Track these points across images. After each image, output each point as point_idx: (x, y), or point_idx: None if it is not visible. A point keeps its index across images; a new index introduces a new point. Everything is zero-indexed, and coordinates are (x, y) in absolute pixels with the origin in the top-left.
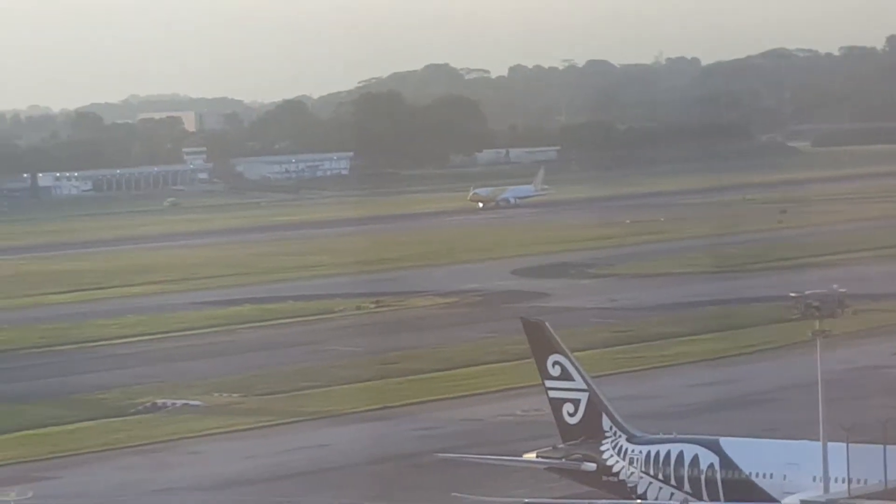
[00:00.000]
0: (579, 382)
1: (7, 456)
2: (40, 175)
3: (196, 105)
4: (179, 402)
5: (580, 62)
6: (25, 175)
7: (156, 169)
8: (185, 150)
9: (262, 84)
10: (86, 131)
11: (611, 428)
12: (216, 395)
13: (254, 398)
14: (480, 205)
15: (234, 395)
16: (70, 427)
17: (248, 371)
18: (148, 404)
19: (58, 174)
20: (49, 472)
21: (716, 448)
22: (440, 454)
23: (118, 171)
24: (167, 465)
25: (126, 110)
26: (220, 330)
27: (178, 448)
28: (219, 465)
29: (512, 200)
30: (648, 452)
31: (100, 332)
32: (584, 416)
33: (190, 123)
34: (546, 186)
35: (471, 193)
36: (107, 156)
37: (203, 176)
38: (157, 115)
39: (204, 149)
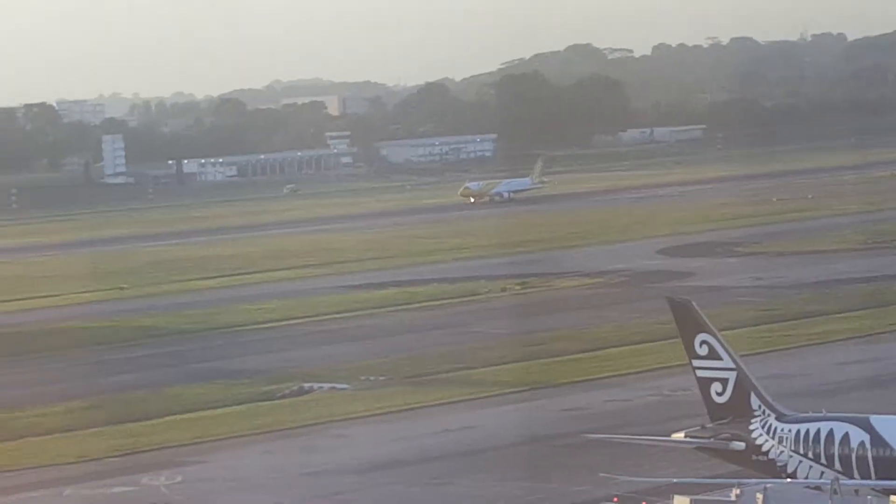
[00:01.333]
0: (727, 361)
1: (156, 440)
2: (185, 161)
3: (339, 89)
4: (326, 386)
5: (724, 39)
6: (171, 162)
7: (299, 154)
8: (328, 134)
9: (404, 67)
10: (229, 117)
11: (759, 407)
12: (363, 378)
13: (400, 381)
14: (472, 200)
15: (381, 378)
16: (218, 411)
17: (393, 354)
18: (295, 388)
19: (202, 160)
20: (197, 457)
21: (866, 426)
22: (588, 434)
23: (262, 157)
24: (314, 448)
25: (269, 96)
26: (365, 313)
27: (326, 431)
28: (366, 448)
29: (506, 195)
30: (798, 431)
31: (246, 317)
32: (732, 395)
33: (333, 108)
34: (545, 179)
35: (461, 188)
36: (250, 141)
37: (347, 160)
38: (300, 101)
39: (347, 133)
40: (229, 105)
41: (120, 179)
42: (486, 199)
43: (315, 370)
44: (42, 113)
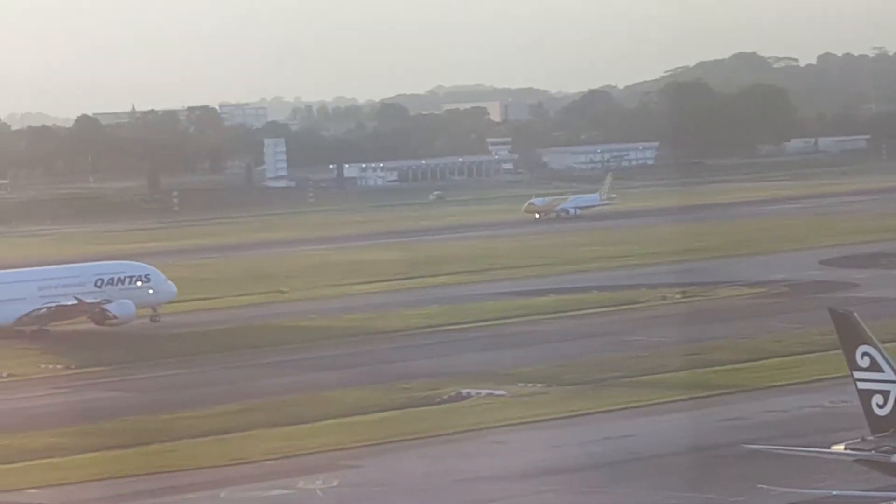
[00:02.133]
0: (889, 374)
1: (314, 444)
2: (346, 166)
3: (501, 95)
4: (484, 392)
5: (891, 49)
6: (332, 166)
7: (460, 159)
8: (490, 140)
9: (567, 74)
10: (391, 122)
11: None
12: (520, 385)
13: (558, 388)
14: (536, 216)
15: (538, 385)
16: (374, 416)
17: (552, 361)
18: (452, 394)
19: (364, 165)
20: (353, 461)
21: None
22: (747, 445)
23: (423, 162)
24: (471, 454)
25: (431, 101)
26: (523, 320)
27: (482, 438)
28: (523, 455)
29: (572, 211)
30: None
31: (404, 322)
32: (893, 407)
33: (495, 114)
34: (614, 195)
35: (526, 204)
36: (412, 147)
37: (508, 166)
38: (462, 106)
39: (509, 139)
40: (391, 110)
41: (281, 183)
42: (553, 215)
43: (473, 376)
44: (204, 116)
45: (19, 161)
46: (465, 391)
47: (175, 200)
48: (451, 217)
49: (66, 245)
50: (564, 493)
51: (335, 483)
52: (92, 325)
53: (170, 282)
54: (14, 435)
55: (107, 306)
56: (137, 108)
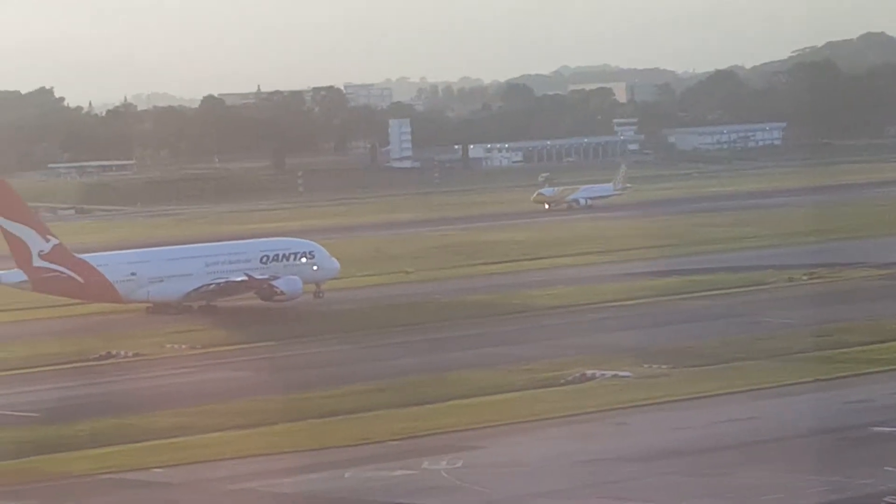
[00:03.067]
0: None
1: (437, 425)
2: (471, 146)
3: (626, 76)
4: (609, 374)
5: None
6: (457, 146)
7: (586, 140)
8: (615, 121)
9: (693, 54)
10: (516, 102)
11: None
12: (645, 366)
13: (683, 369)
14: (546, 206)
15: (663, 366)
16: (498, 397)
17: (677, 342)
18: (577, 375)
19: (488, 145)
20: (476, 442)
21: None
22: (875, 427)
23: (548, 143)
24: (593, 436)
25: (557, 82)
26: (648, 301)
27: (606, 419)
28: (646, 437)
29: (583, 202)
30: None
31: (529, 302)
32: None
33: (621, 94)
34: (629, 185)
35: (534, 194)
36: (537, 127)
37: (634, 147)
38: (587, 87)
39: (635, 120)
40: (516, 90)
41: (406, 163)
42: (564, 205)
43: (597, 357)
44: (330, 96)
45: (145, 142)
46: (589, 372)
47: (300, 181)
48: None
49: (192, 226)
50: (688, 475)
51: (459, 464)
52: (259, 302)
53: (333, 258)
54: (144, 414)
55: (275, 282)
56: (263, 89)
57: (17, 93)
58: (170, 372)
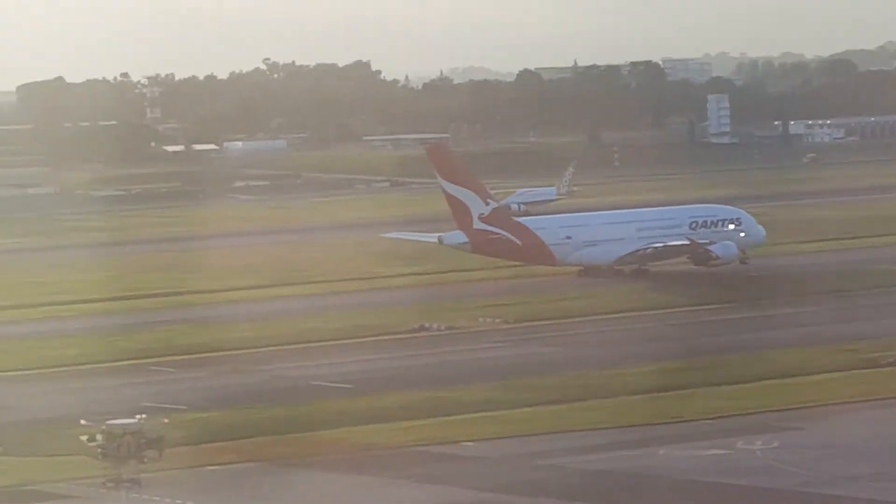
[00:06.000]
0: None
1: (752, 405)
2: (791, 123)
3: None
4: None
5: None
6: (776, 122)
7: None
8: None
9: None
10: (839, 78)
11: None
12: None
13: None
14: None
15: None
16: (816, 377)
17: None
18: None
19: (809, 122)
20: (794, 423)
21: None
22: None
23: (872, 119)
24: None
25: (882, 57)
26: None
27: None
28: None
29: (515, 206)
30: None
31: (879, 280)
32: None
33: None
34: (576, 188)
35: None
36: (860, 103)
37: None
38: None
39: None
40: (839, 66)
41: (724, 139)
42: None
43: None
44: (647, 71)
45: (460, 115)
46: None
47: (615, 156)
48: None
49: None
50: None
51: (775, 444)
52: (689, 266)
53: (759, 226)
54: (454, 388)
55: (711, 247)
56: (580, 63)
57: (334, 66)
58: (483, 346)
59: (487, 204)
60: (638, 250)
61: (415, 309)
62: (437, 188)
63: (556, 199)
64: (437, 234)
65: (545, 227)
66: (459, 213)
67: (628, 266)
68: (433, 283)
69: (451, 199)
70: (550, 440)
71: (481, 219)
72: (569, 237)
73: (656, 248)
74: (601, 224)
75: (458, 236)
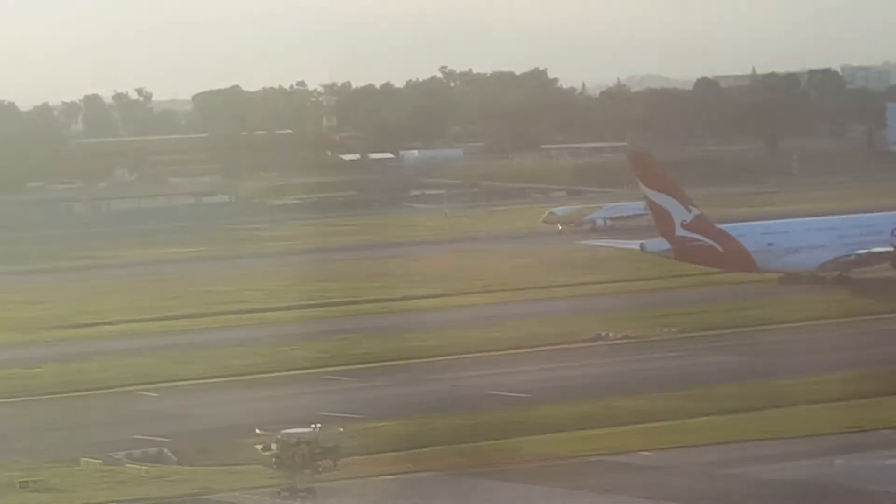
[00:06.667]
0: None
1: None
2: None
3: None
4: None
5: None
6: None
7: None
8: None
9: None
10: None
11: None
12: None
13: None
14: (559, 227)
15: None
16: None
17: None
18: None
19: None
20: None
21: None
22: None
23: None
24: None
25: None
26: None
27: None
28: None
29: (600, 222)
30: None
31: None
32: None
33: None
34: None
35: (546, 213)
36: None
37: None
38: None
39: None
40: None
41: None
42: (587, 226)
43: None
44: (826, 79)
45: (638, 123)
46: None
47: (794, 164)
48: None
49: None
50: None
51: None
52: (892, 273)
53: None
54: (629, 397)
55: None
56: (758, 71)
57: (511, 74)
58: (660, 355)
59: (689, 211)
60: (840, 257)
61: (595, 318)
62: (614, 197)
63: (646, 214)
64: (639, 242)
65: (746, 234)
66: (662, 220)
67: (830, 273)
68: (623, 292)
69: (653, 206)
70: (728, 450)
71: (683, 226)
72: (770, 244)
73: (859, 254)
74: (803, 231)
75: (661, 243)
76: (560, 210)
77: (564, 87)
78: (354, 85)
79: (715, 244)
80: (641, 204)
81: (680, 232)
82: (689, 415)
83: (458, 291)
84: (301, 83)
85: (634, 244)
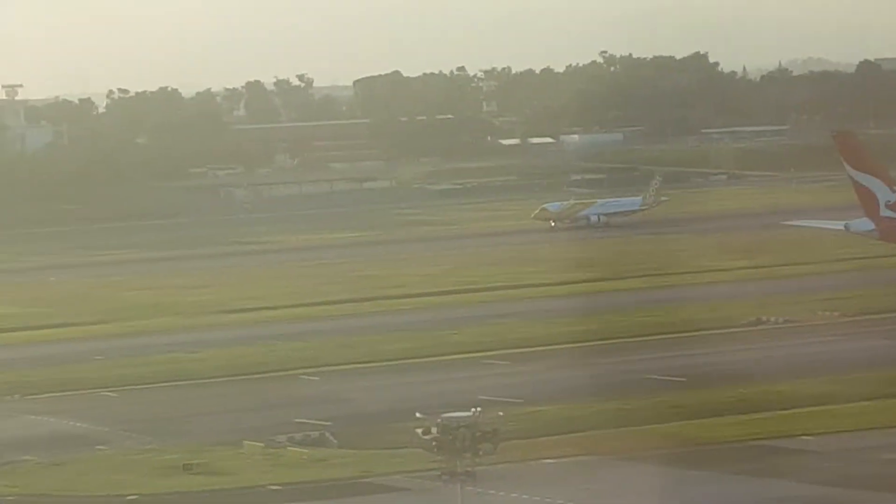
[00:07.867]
0: None
1: None
2: None
3: None
4: None
5: None
6: None
7: None
8: None
9: None
10: None
11: None
12: None
13: None
14: (552, 223)
15: None
16: None
17: None
18: None
19: None
20: None
21: None
22: None
23: None
24: None
25: None
26: None
27: None
28: None
29: (594, 218)
30: None
31: None
32: None
33: None
34: (665, 197)
35: (538, 210)
36: None
37: None
38: None
39: None
40: None
41: None
42: (583, 222)
43: None
44: None
45: (800, 107)
46: None
47: None
48: None
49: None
50: None
51: None
52: None
53: None
54: (789, 382)
55: None
56: None
57: (672, 58)
58: (821, 339)
59: (894, 191)
60: None
61: (758, 301)
62: (778, 181)
63: (642, 210)
64: (844, 222)
65: None
66: (866, 200)
67: None
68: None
69: (857, 186)
70: (891, 434)
71: (888, 206)
72: None
73: None
74: None
75: (866, 223)
76: (553, 206)
77: (725, 71)
78: (514, 70)
79: None
80: (635, 199)
81: (884, 212)
82: (850, 399)
83: (612, 276)
84: (461, 68)
85: (840, 224)
